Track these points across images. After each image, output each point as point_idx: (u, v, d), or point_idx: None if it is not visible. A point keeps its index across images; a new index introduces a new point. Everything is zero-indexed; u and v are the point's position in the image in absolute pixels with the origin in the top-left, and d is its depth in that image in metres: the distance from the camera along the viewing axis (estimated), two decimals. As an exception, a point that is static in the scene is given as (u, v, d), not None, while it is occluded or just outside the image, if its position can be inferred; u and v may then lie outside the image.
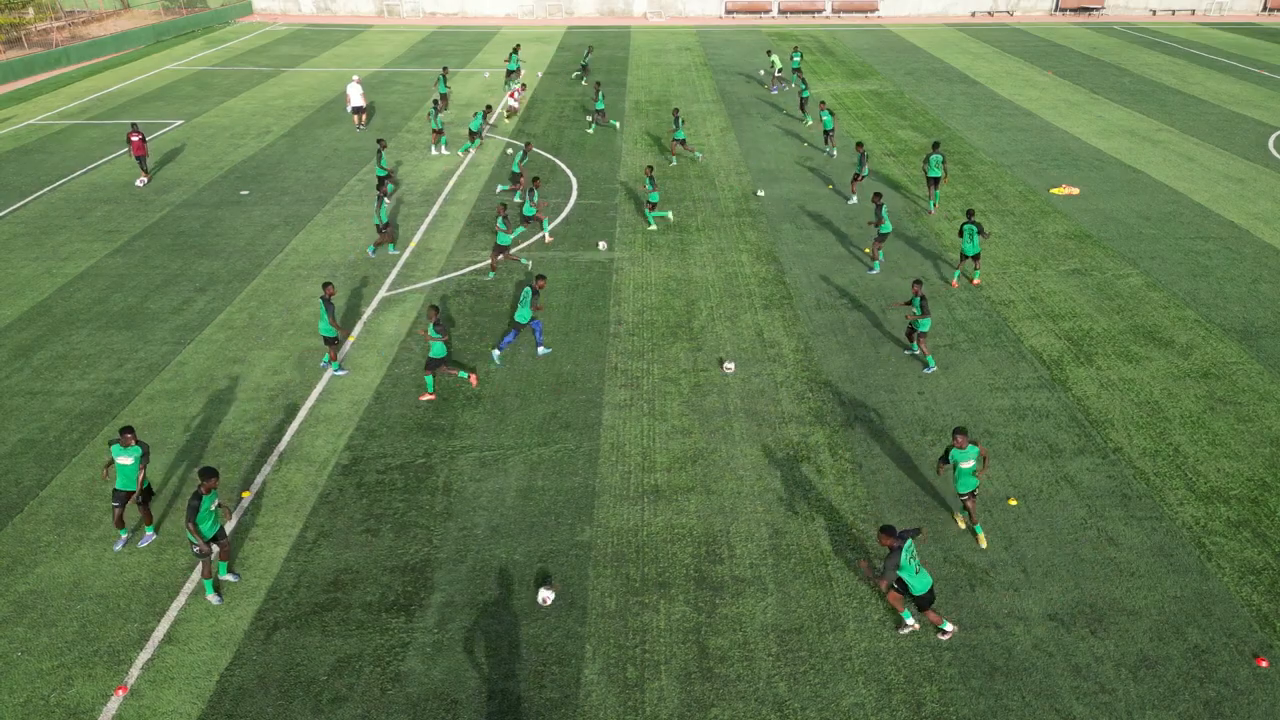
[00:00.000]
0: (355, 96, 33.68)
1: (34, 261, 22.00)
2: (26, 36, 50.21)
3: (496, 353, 17.29)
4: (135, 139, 26.67)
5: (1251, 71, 45.30)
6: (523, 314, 17.03)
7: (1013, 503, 13.47)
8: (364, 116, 34.61)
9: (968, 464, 12.30)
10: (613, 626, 11.32)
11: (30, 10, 54.27)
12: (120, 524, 12.40)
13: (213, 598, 11.60)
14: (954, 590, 11.85)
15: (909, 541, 10.75)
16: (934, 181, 24.81)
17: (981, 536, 12.66)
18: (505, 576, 12.13)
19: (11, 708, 10.14)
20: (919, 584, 10.71)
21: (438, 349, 15.84)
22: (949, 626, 11.02)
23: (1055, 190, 27.20)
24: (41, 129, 33.93)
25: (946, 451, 12.41)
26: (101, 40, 49.43)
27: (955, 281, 20.78)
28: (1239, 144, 32.19)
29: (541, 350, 17.62)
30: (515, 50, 40.53)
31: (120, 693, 10.32)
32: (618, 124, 34.66)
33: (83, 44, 48.22)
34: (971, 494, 12.48)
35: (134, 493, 12.31)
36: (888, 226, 20.80)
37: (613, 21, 64.30)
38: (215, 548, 11.64)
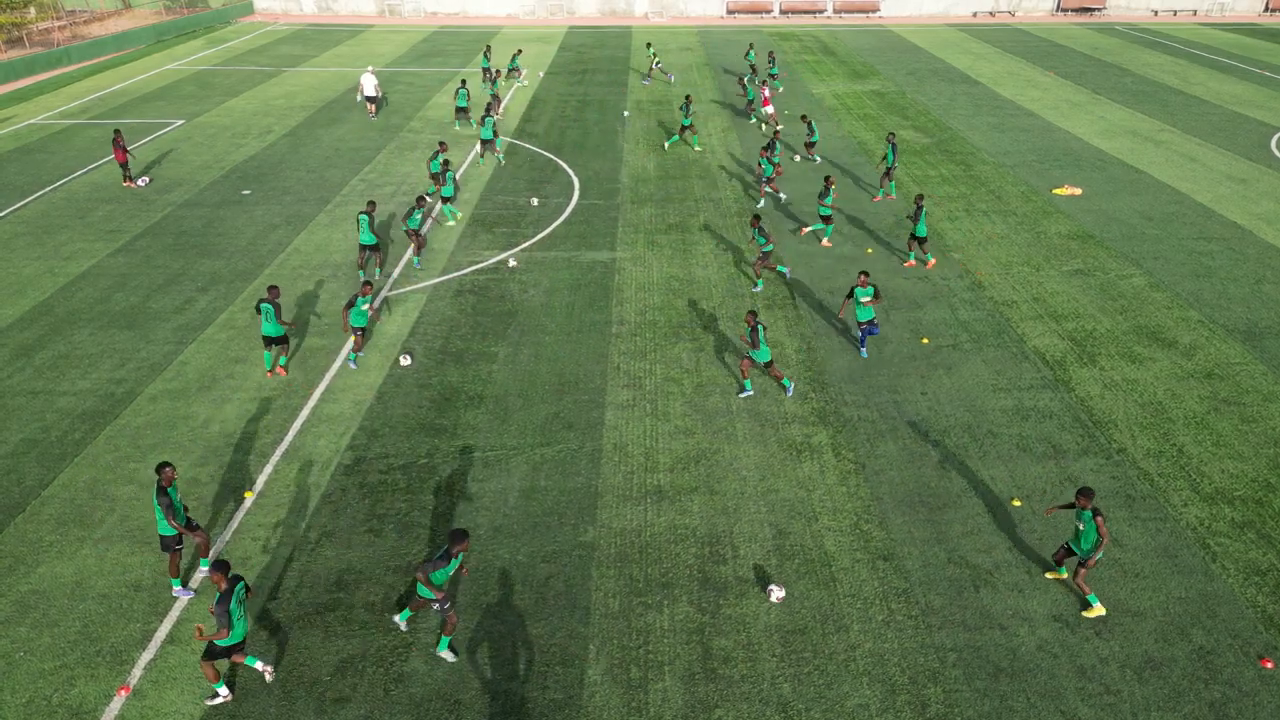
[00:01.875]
0: (369, 87, 35.35)
1: (36, 261, 21.98)
2: (28, 36, 50.19)
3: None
4: (118, 145, 26.37)
5: (1253, 72, 45.27)
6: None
7: (1017, 503, 13.44)
8: (376, 106, 35.98)
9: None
10: (616, 627, 11.30)
11: (31, 10, 54.24)
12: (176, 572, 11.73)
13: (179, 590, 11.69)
14: (958, 591, 11.83)
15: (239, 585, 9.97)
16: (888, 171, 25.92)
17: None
18: (508, 577, 12.11)
19: (14, 708, 10.12)
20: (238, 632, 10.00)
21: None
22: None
23: (1057, 190, 27.18)
24: (43, 128, 33.92)
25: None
26: (102, 40, 49.42)
27: (911, 261, 21.87)
28: (1241, 144, 32.16)
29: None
30: (648, 46, 43.65)
31: (123, 693, 10.29)
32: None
33: (84, 43, 48.22)
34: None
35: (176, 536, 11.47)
36: (922, 229, 20.74)
37: (614, 21, 64.28)
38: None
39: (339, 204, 26.07)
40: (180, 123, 34.94)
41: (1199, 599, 11.69)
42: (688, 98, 30.88)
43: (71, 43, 49.18)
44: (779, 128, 33.27)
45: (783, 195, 26.33)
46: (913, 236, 21.15)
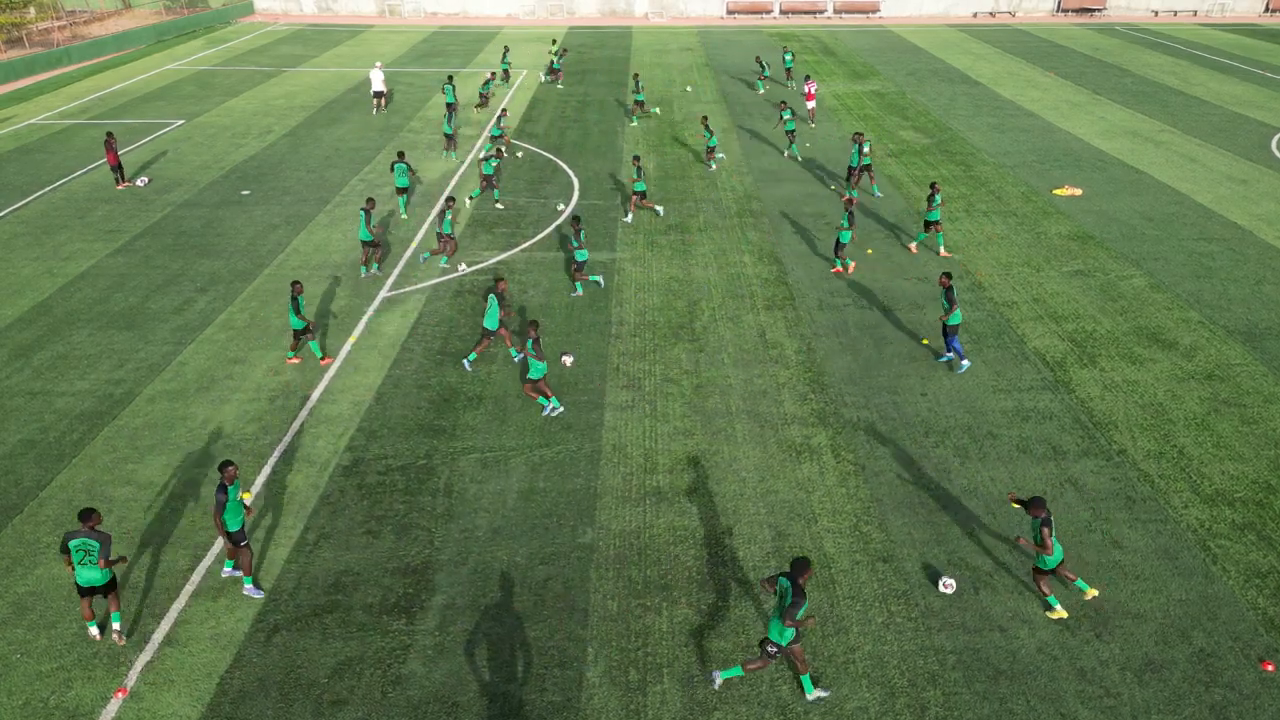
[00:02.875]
0: (377, 81, 36.24)
1: (35, 261, 21.95)
2: (28, 36, 50.17)
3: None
4: (109, 148, 26.36)
5: (1254, 72, 45.23)
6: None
7: (1017, 505, 13.39)
8: (384, 101, 36.81)
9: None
10: (615, 629, 11.27)
11: (31, 10, 54.23)
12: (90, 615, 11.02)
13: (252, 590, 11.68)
14: (958, 593, 11.79)
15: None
16: (866, 169, 25.92)
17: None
18: (507, 579, 12.07)
19: (10, 710, 10.09)
20: None
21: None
22: None
23: (1058, 191, 27.14)
24: (42, 128, 33.90)
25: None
26: (102, 40, 49.41)
27: (915, 246, 22.27)
28: (1241, 145, 32.13)
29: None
30: (554, 42, 44.21)
31: (120, 695, 10.26)
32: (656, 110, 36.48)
33: (84, 43, 48.20)
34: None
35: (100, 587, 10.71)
36: (956, 315, 16.76)
37: (614, 21, 64.27)
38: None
39: (339, 204, 26.05)
40: (180, 123, 34.92)
41: (1199, 601, 11.66)
42: (635, 76, 35.89)
43: (71, 43, 49.16)
44: (812, 125, 34.61)
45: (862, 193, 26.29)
46: (839, 244, 20.89)
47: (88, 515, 10.51)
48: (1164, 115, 36.49)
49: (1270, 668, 10.63)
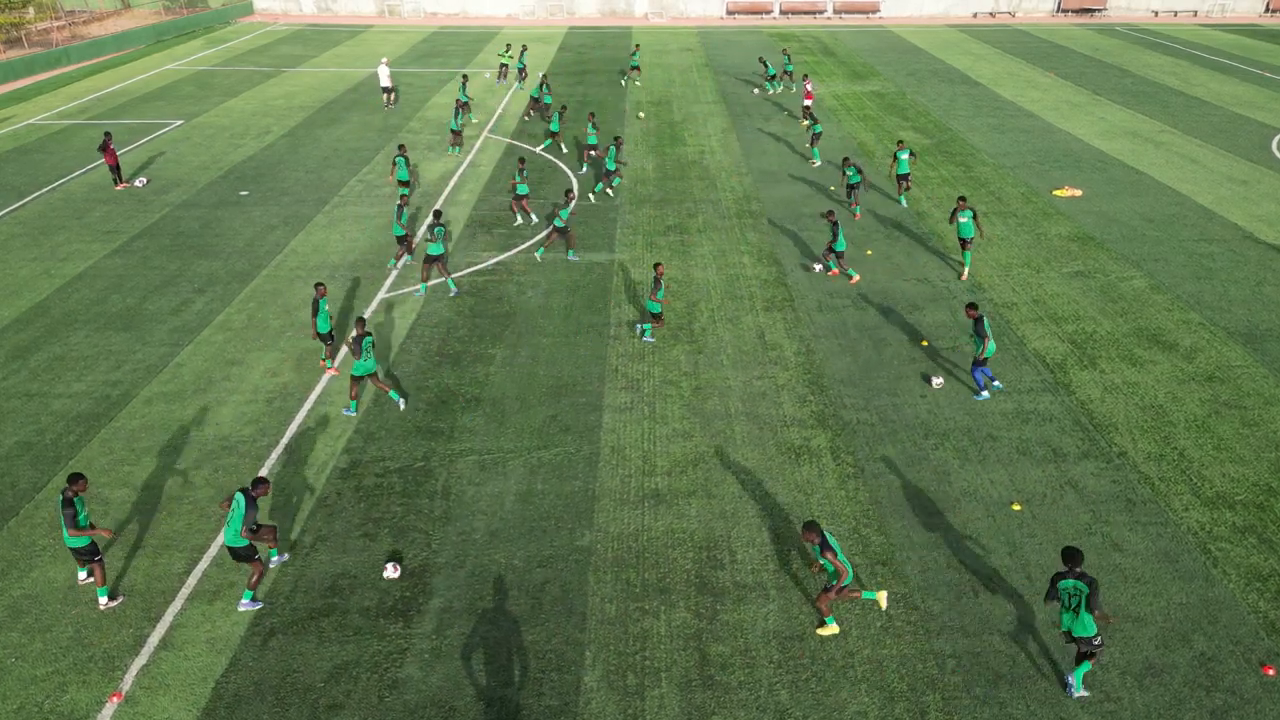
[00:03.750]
0: (384, 78, 37.08)
1: (32, 262, 21.90)
2: (27, 36, 50.12)
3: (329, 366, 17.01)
4: (108, 149, 26.33)
5: (1254, 73, 45.17)
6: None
7: (1017, 508, 13.34)
8: (393, 96, 37.63)
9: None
10: (613, 633, 11.21)
11: (30, 10, 54.19)
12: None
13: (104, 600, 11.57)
14: (957, 596, 11.74)
15: None
16: (852, 188, 24.51)
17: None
18: (504, 582, 12.02)
19: (5, 714, 10.04)
20: None
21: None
22: None
23: (1058, 192, 27.09)
24: (41, 129, 33.85)
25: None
26: (102, 40, 49.35)
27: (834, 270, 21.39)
28: (1242, 146, 32.07)
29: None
30: (507, 48, 43.34)
31: (115, 699, 10.21)
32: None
33: (83, 44, 48.14)
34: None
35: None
36: (990, 348, 15.79)
37: (614, 22, 64.21)
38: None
39: (337, 205, 25.99)
40: (179, 123, 34.86)
41: (1200, 605, 11.60)
42: (637, 45, 39.45)
43: (70, 43, 49.10)
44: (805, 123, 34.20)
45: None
46: (831, 250, 20.56)
47: (74, 480, 11.07)
48: (1164, 116, 36.44)
49: (1271, 672, 10.57)
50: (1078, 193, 26.98)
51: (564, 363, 17.42)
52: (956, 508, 13.41)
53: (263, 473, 14.14)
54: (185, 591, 11.80)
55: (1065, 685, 10.36)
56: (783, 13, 65.90)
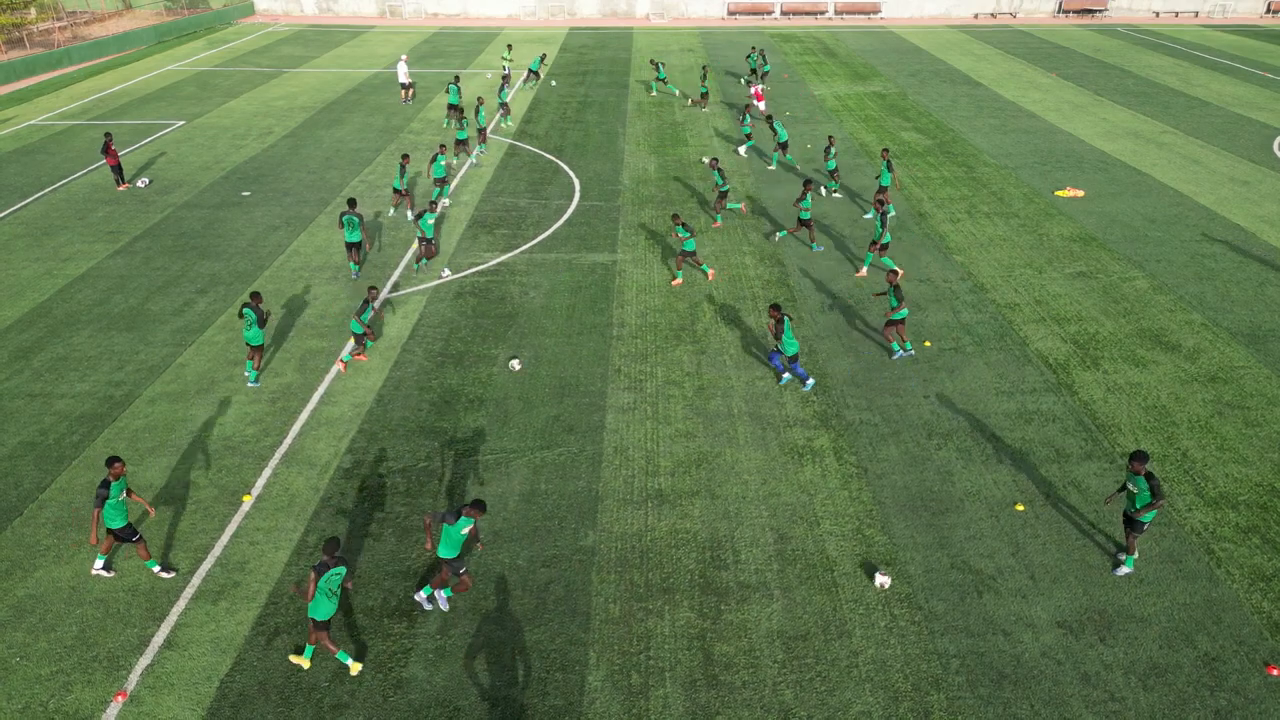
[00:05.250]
0: (402, 74, 37.87)
1: (35, 262, 21.91)
2: (28, 37, 50.16)
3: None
4: (109, 149, 26.36)
5: (1255, 74, 45.18)
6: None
7: (1020, 508, 13.35)
8: (411, 92, 38.41)
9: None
10: (617, 633, 11.22)
11: (32, 10, 54.22)
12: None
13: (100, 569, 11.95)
14: (961, 597, 11.74)
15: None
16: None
17: None
18: (508, 582, 12.02)
19: (10, 714, 10.04)
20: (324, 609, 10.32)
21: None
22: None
23: (1060, 193, 27.09)
24: (43, 129, 33.87)
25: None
26: (103, 40, 49.39)
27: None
28: (1244, 146, 32.08)
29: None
30: (509, 48, 43.11)
31: (120, 698, 10.22)
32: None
33: (84, 44, 48.17)
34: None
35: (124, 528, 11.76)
36: (903, 314, 16.96)
37: (615, 23, 64.23)
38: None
39: (339, 205, 26.00)
40: (181, 124, 34.89)
41: (1204, 605, 11.60)
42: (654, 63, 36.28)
43: (72, 43, 49.14)
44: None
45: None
46: (804, 221, 21.14)
47: (110, 463, 11.43)
48: (1166, 116, 36.45)
49: (1275, 672, 10.57)
50: (1080, 193, 26.99)
51: (567, 363, 17.43)
52: (960, 508, 13.41)
53: (266, 473, 14.15)
54: (189, 591, 11.80)
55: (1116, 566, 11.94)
56: (784, 13, 65.93)
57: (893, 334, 17.28)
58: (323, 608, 10.27)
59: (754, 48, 42.96)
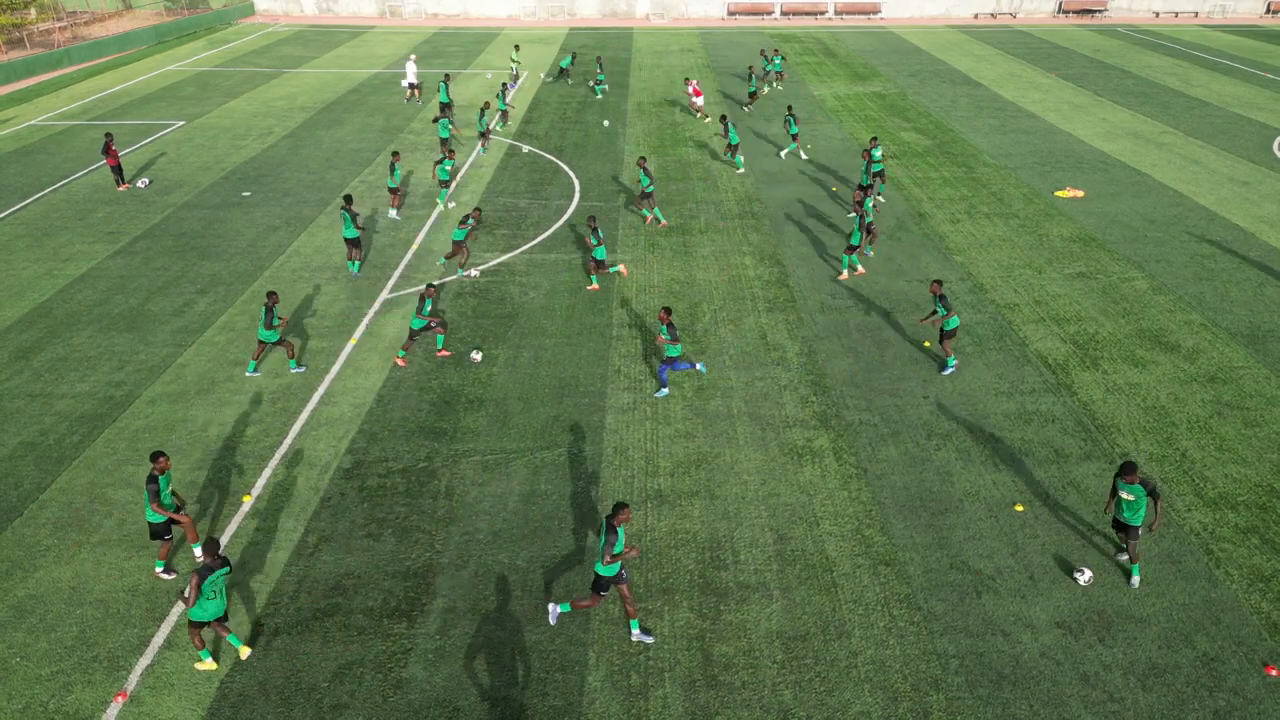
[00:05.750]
0: (410, 74, 37.87)
1: (35, 263, 21.93)
2: (28, 37, 50.18)
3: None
4: (109, 150, 26.41)
5: (1255, 74, 45.20)
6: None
7: (1019, 509, 13.36)
8: (418, 92, 38.37)
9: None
10: (616, 633, 11.23)
11: (32, 11, 54.24)
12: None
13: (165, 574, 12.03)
14: (960, 597, 11.76)
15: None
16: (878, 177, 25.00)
17: None
18: (508, 582, 12.04)
19: (10, 714, 10.05)
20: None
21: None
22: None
23: (1060, 193, 27.11)
24: (43, 129, 33.89)
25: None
26: (103, 41, 49.40)
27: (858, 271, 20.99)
28: (1243, 146, 32.09)
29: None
30: (517, 48, 43.26)
31: (120, 699, 10.23)
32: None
33: (84, 44, 48.20)
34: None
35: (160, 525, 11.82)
36: (954, 322, 16.82)
37: (615, 23, 64.25)
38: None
39: (339, 205, 26.01)
40: (181, 124, 34.90)
41: (1203, 605, 11.62)
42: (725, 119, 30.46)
43: (72, 44, 49.16)
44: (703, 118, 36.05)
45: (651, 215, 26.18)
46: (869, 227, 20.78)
47: (155, 457, 11.60)
48: (1166, 117, 36.46)
49: (1274, 672, 10.59)
50: (1079, 194, 27.01)
51: (566, 363, 17.44)
52: (959, 508, 13.43)
53: (266, 473, 14.16)
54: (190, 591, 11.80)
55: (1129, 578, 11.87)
56: (784, 14, 65.95)
57: (950, 347, 16.98)
58: (204, 610, 10.22)
59: (762, 51, 43.13)
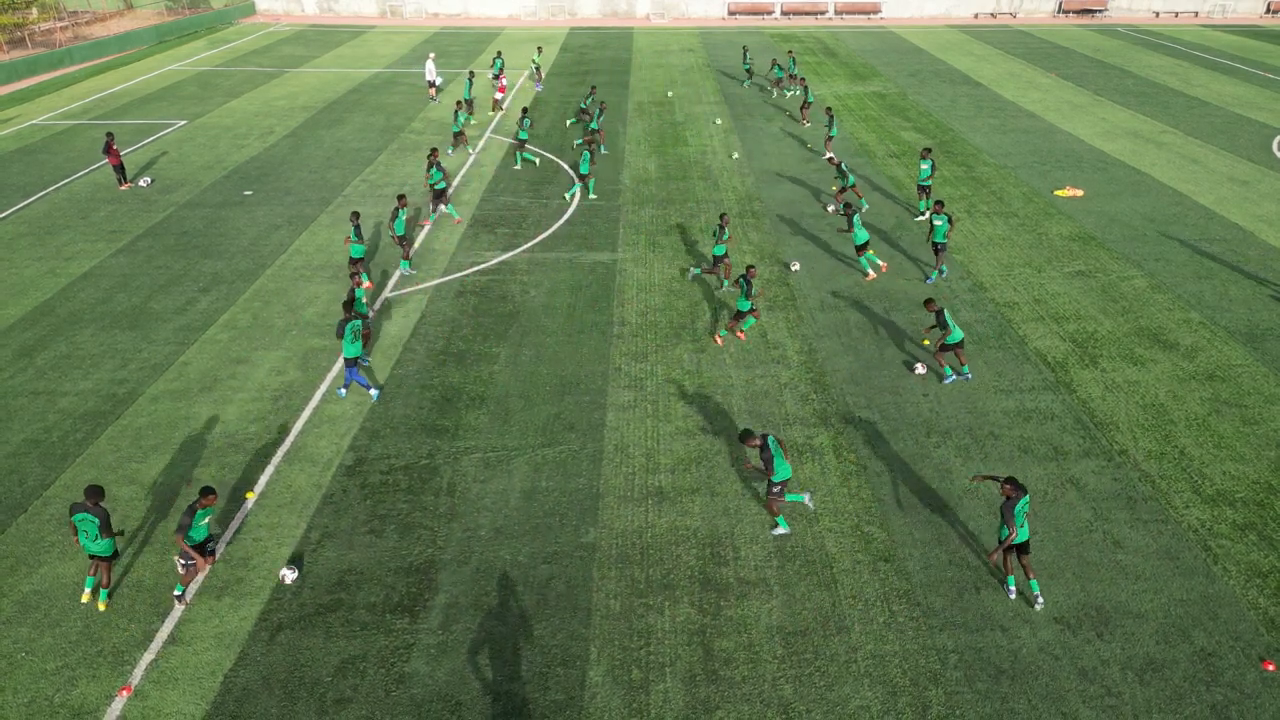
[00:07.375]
0: (430, 73, 38.39)
1: (38, 261, 22.00)
2: (30, 36, 50.26)
3: (342, 390, 16.16)
4: (110, 149, 26.51)
5: (1255, 74, 45.25)
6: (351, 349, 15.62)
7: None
8: (436, 91, 38.87)
9: None
10: (617, 628, 11.30)
11: (34, 10, 54.32)
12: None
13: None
14: (959, 592, 11.83)
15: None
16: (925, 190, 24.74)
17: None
18: (509, 578, 12.11)
19: (15, 708, 10.13)
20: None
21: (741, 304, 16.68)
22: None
23: (1059, 192, 27.17)
24: (45, 129, 33.96)
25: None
26: (105, 40, 49.48)
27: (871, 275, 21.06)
28: (1243, 146, 32.15)
29: (372, 393, 16.11)
30: (539, 51, 43.50)
31: (124, 693, 10.30)
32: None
33: (86, 44, 48.27)
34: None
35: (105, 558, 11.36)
36: (956, 335, 16.45)
37: (615, 23, 64.31)
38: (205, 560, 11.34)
39: (340, 205, 26.09)
40: (182, 123, 34.97)
41: (1200, 601, 11.68)
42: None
43: (74, 43, 49.23)
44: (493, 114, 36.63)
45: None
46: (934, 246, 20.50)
47: (91, 493, 11.12)
48: (1165, 116, 36.52)
49: (1271, 667, 10.66)
50: (1079, 193, 27.07)
51: (567, 361, 17.51)
52: (958, 505, 13.49)
53: (269, 470, 14.23)
54: (193, 587, 11.88)
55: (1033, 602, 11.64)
56: (784, 13, 66.01)
57: (945, 359, 16.94)
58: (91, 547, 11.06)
59: (790, 52, 43.21)
